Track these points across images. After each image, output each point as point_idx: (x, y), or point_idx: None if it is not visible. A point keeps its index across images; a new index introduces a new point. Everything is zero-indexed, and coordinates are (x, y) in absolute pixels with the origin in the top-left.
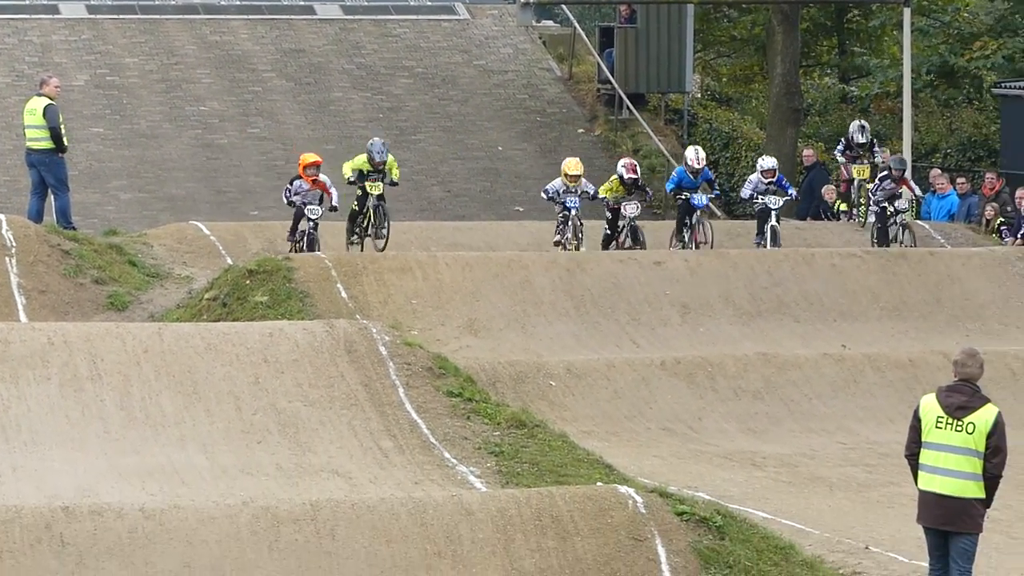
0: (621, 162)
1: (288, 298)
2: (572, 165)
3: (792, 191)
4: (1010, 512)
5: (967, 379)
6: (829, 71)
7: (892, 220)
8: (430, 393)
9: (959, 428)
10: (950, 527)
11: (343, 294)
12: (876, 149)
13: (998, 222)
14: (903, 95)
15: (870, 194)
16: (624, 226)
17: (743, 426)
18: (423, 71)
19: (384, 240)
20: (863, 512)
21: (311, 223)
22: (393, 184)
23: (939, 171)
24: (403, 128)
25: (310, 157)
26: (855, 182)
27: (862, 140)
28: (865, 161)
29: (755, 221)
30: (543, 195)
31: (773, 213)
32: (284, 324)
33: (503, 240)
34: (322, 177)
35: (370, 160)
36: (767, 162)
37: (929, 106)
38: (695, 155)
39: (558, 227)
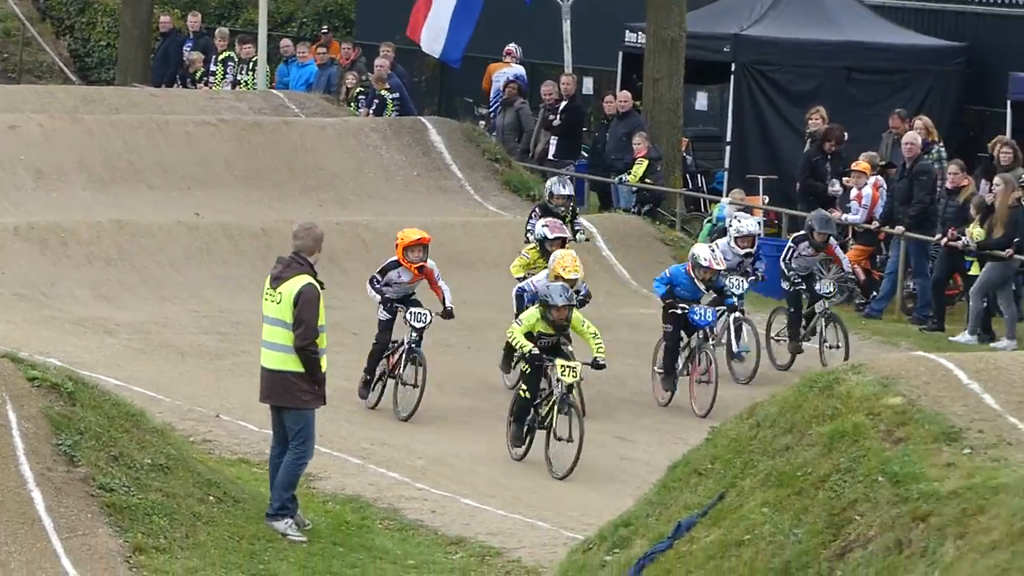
0: (542, 222)
1: None
2: (570, 265)
3: (762, 267)
4: None
5: (297, 251)
6: None
7: (811, 307)
8: None
9: (276, 299)
10: (275, 402)
11: None
12: (579, 223)
13: (356, 91)
14: None
15: (781, 265)
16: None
17: (96, 292)
18: None
19: (572, 466)
20: (214, 380)
21: (415, 332)
22: (598, 366)
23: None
24: None
25: (413, 233)
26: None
27: (565, 192)
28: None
29: None
30: (515, 299)
31: (737, 299)
32: None
33: None
34: (430, 264)
35: (546, 314)
36: (746, 225)
37: None
38: (711, 254)
39: None
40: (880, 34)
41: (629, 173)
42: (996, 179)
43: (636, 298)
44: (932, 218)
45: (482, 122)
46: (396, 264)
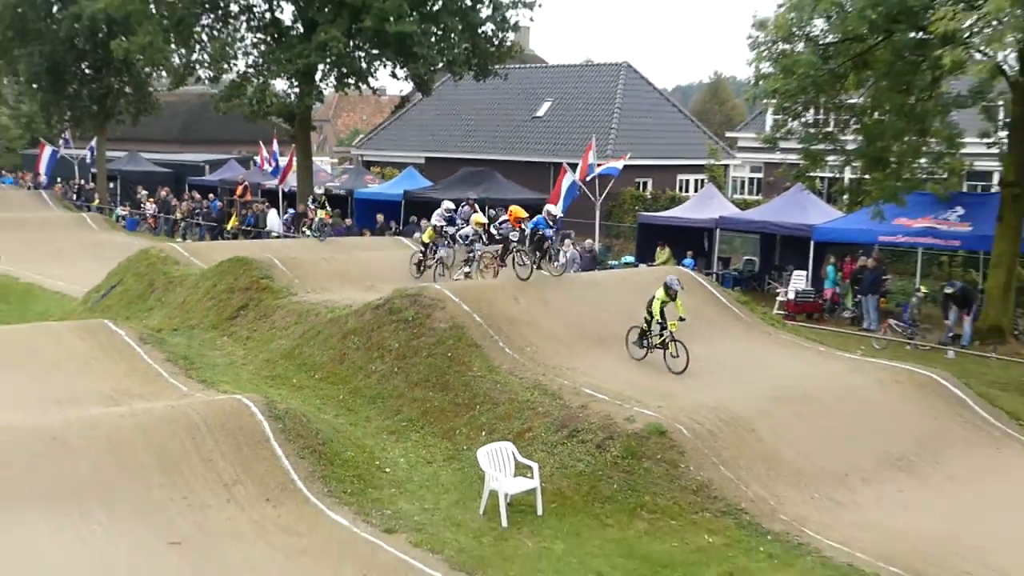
0: (437, 212)
1: None
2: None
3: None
4: None
5: None
6: None
7: None
8: None
9: None
10: None
11: None
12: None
13: None
14: None
15: None
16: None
17: None
18: None
19: (684, 367)
20: None
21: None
22: (681, 319)
23: None
24: None
25: (520, 213)
26: None
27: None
28: None
29: None
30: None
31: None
32: None
33: None
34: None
35: (668, 293)
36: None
37: None
38: (555, 209)
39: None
40: None
41: None
42: None
43: None
44: None
45: None
46: (505, 220)
